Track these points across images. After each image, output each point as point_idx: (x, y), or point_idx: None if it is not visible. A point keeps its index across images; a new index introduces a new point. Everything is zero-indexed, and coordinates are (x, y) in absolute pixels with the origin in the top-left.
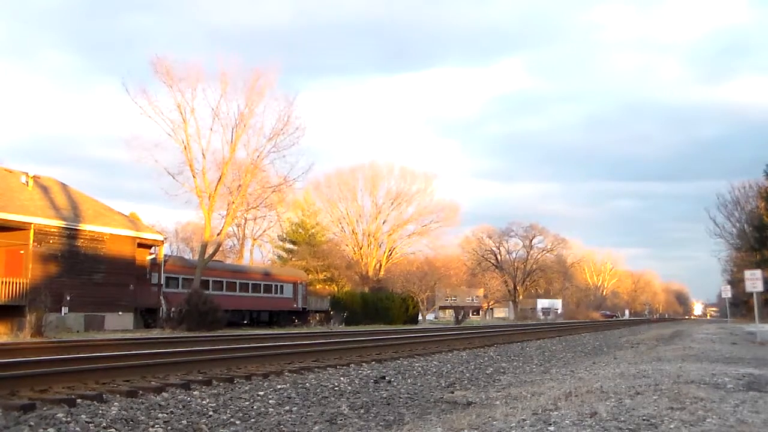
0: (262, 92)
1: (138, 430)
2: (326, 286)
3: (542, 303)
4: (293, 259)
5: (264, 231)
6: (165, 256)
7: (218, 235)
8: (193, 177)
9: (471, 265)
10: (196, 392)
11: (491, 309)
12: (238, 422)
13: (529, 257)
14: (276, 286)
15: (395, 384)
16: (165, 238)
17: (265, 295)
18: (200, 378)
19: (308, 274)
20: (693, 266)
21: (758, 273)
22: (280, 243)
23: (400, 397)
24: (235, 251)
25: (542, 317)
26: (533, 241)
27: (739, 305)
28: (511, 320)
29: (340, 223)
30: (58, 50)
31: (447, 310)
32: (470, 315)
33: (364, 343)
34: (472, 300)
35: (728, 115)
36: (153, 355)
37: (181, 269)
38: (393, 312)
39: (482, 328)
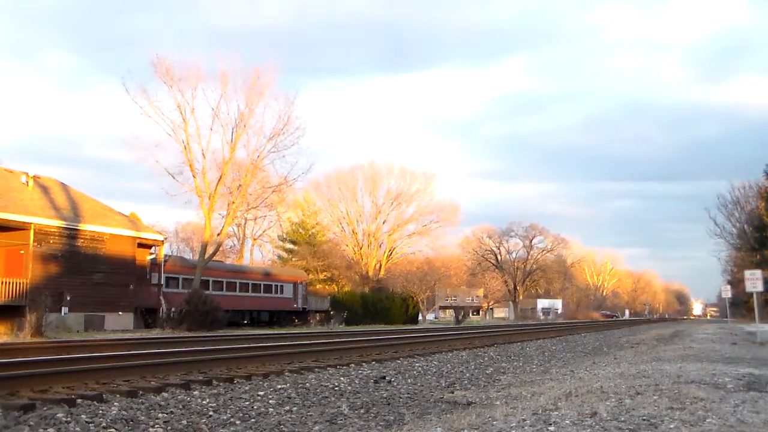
0: (262, 92)
1: (138, 430)
2: (326, 286)
3: (542, 303)
4: (293, 259)
5: (264, 231)
6: (165, 256)
7: (218, 235)
8: (194, 177)
9: (471, 265)
10: (196, 392)
11: (491, 309)
12: (238, 422)
13: (529, 257)
14: (276, 286)
15: (395, 384)
16: (165, 238)
17: (265, 295)
18: (200, 378)
19: (308, 274)
20: (693, 266)
21: (758, 273)
22: (280, 243)
23: (400, 397)
24: (235, 251)
25: (542, 317)
26: (533, 241)
27: (739, 305)
28: (511, 320)
29: (340, 223)
30: (58, 50)
31: (447, 310)
32: (470, 315)
33: (364, 343)
34: (472, 300)
35: (728, 115)
36: (153, 355)
37: (181, 269)
38: (393, 312)
39: (482, 328)
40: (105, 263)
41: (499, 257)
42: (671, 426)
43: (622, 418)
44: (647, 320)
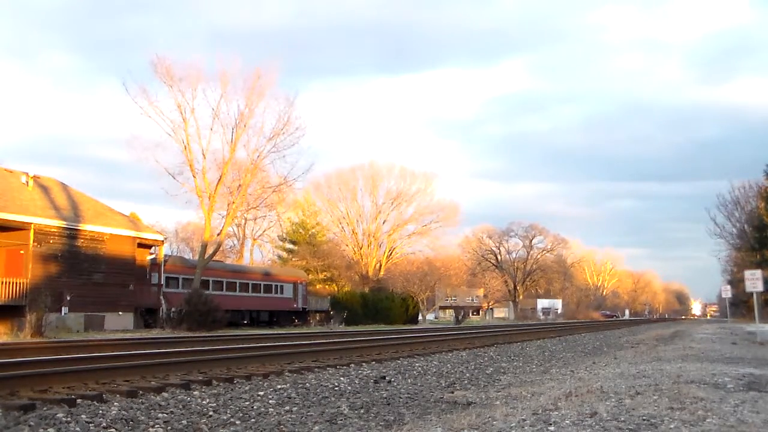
0: (263, 92)
1: (138, 430)
2: (326, 286)
3: (542, 303)
4: (293, 259)
5: (264, 231)
6: (165, 256)
7: (218, 235)
8: (194, 177)
9: (471, 265)
10: (196, 392)
11: (491, 309)
12: (238, 422)
13: (529, 257)
14: (276, 286)
15: (395, 384)
16: (165, 238)
17: (265, 295)
18: (200, 378)
19: (308, 274)
20: (693, 266)
21: (758, 273)
22: (280, 243)
23: (400, 397)
24: (235, 251)
25: (542, 317)
26: (533, 241)
27: (739, 305)
28: (511, 320)
29: (340, 223)
30: (59, 51)
31: (447, 310)
32: (470, 315)
33: (364, 343)
34: (472, 300)
35: (728, 115)
36: (153, 355)
37: (181, 269)
38: (393, 312)
39: (482, 328)
40: (105, 263)
41: (499, 257)
42: (671, 426)
43: (622, 418)
44: (647, 320)
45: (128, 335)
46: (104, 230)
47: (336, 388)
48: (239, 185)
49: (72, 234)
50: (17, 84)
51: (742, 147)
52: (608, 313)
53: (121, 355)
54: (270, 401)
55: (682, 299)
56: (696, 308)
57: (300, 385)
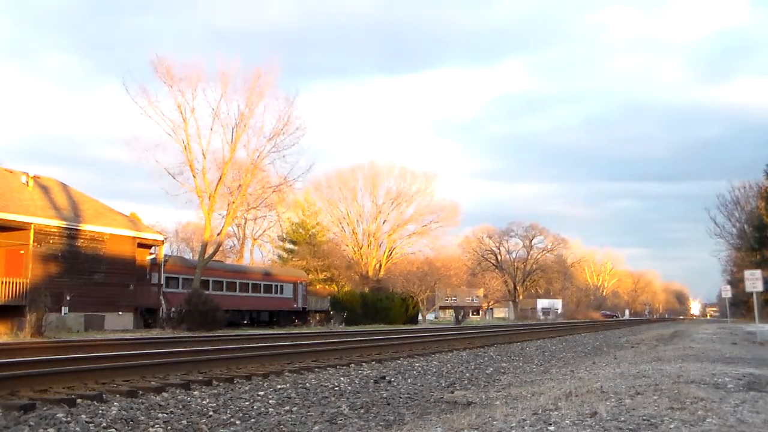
0: (263, 92)
1: (138, 430)
2: (326, 286)
3: (542, 303)
4: (293, 259)
5: (264, 231)
6: (165, 256)
7: (218, 235)
8: (194, 177)
9: (471, 265)
10: (196, 392)
11: (491, 309)
12: (238, 422)
13: (529, 257)
14: (276, 286)
15: (395, 384)
16: (165, 238)
17: (266, 295)
18: (200, 378)
19: (308, 274)
20: (693, 266)
21: (758, 273)
22: (281, 243)
23: (400, 397)
24: (235, 251)
25: (542, 317)
26: (533, 241)
27: (739, 305)
28: (511, 320)
29: (340, 223)
30: (60, 51)
31: (447, 310)
32: (470, 315)
33: (364, 343)
34: (472, 300)
35: (728, 115)
36: (153, 355)
37: (181, 269)
38: (393, 312)
39: (482, 328)
40: (105, 263)
41: (499, 257)
42: (671, 426)
43: (622, 418)
44: (647, 320)
45: (128, 335)
46: (104, 230)
47: (336, 388)
48: (239, 185)
49: (72, 234)
50: (18, 84)
51: (742, 147)
52: (608, 313)
53: (121, 355)
54: (270, 401)
55: (682, 299)
56: (695, 308)
57: (300, 385)
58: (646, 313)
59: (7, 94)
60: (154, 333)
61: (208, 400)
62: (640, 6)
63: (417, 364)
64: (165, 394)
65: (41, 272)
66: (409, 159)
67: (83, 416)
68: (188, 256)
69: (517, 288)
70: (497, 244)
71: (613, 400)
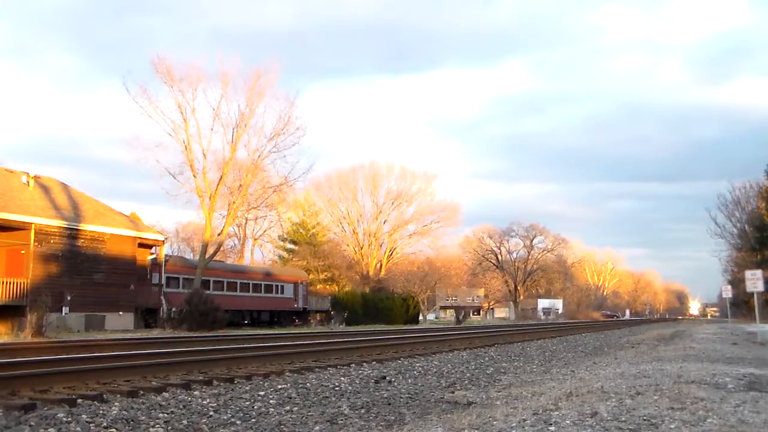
0: (263, 92)
1: (139, 430)
2: (327, 286)
3: (543, 303)
4: (294, 259)
5: (265, 231)
6: (166, 256)
7: (219, 235)
8: (194, 177)
9: (472, 265)
10: (196, 392)
11: (492, 309)
12: (238, 422)
13: (529, 257)
14: (277, 286)
15: (396, 384)
16: (166, 238)
17: (266, 295)
18: (201, 378)
19: (309, 274)
20: (693, 266)
21: (759, 273)
22: (281, 243)
23: (401, 397)
24: (235, 251)
25: (543, 317)
26: (534, 241)
27: (740, 305)
28: (511, 320)
29: (341, 223)
30: (61, 52)
31: (448, 310)
32: (471, 315)
33: (365, 343)
34: (473, 300)
35: (728, 116)
36: (153, 355)
37: (181, 269)
38: (394, 312)
39: (483, 328)
40: (105, 263)
41: (499, 257)
42: (672, 426)
43: (623, 418)
44: (648, 320)
45: (129, 335)
46: (105, 230)
47: (337, 388)
48: (240, 185)
49: (72, 234)
50: (19, 84)
51: (742, 147)
52: (609, 313)
53: (121, 355)
54: (270, 401)
55: (682, 299)
56: (693, 308)
57: (300, 385)
58: (647, 313)
59: (8, 95)
60: (155, 333)
61: (208, 400)
62: (640, 6)
63: (417, 364)
64: (166, 394)
65: (42, 272)
66: (410, 159)
67: (84, 416)
68: (189, 256)
69: (518, 288)
70: (498, 244)
71: (613, 400)
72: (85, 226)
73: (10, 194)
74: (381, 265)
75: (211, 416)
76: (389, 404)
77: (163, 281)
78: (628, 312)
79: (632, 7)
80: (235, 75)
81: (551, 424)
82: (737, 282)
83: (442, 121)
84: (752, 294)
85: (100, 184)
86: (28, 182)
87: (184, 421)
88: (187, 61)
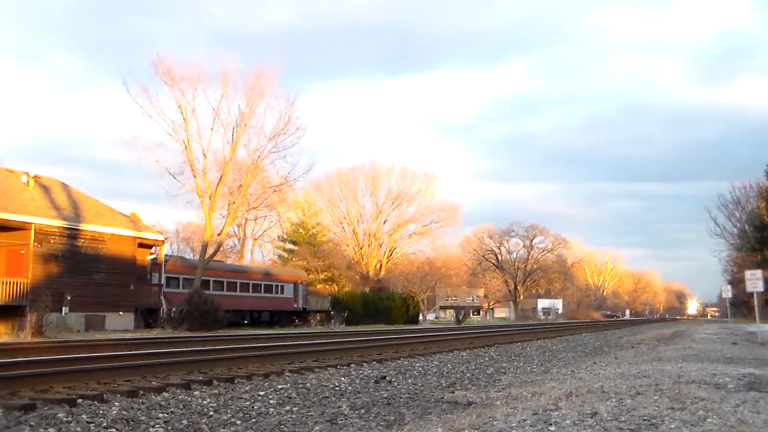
0: (263, 92)
1: (139, 430)
2: (327, 286)
3: (543, 303)
4: (294, 259)
5: (265, 231)
6: (166, 256)
7: (219, 235)
8: (194, 177)
9: (472, 265)
10: (196, 392)
11: (492, 309)
12: (238, 422)
13: (529, 257)
14: (276, 286)
15: (396, 384)
16: (166, 238)
17: (266, 295)
18: (201, 378)
19: (309, 274)
20: (693, 266)
21: (759, 273)
22: (281, 243)
23: (401, 397)
24: (235, 251)
25: (543, 317)
26: (534, 241)
27: (740, 305)
28: (511, 320)
29: (341, 223)
30: (62, 52)
31: (448, 310)
32: (471, 315)
33: (365, 343)
34: (473, 300)
35: (729, 115)
36: (153, 355)
37: (181, 269)
38: (393, 312)
39: (483, 328)
40: (105, 263)
41: (499, 257)
42: (672, 426)
43: (623, 418)
44: (648, 320)
45: (129, 335)
46: (105, 230)
47: (336, 388)
48: (240, 185)
49: (72, 234)
50: (19, 84)
51: (742, 147)
52: (609, 313)
53: (121, 355)
54: (271, 401)
55: (682, 299)
56: (693, 308)
57: (300, 385)
58: (647, 313)
59: (9, 95)
60: (155, 333)
61: (208, 400)
62: (641, 7)
63: (417, 364)
64: (166, 394)
65: (42, 272)
66: (410, 159)
67: (84, 416)
68: (189, 256)
69: (518, 288)
70: (498, 244)
71: (613, 400)
72: (85, 226)
73: (10, 194)
74: (381, 265)
75: (211, 416)
76: (389, 404)
77: (163, 281)
78: (628, 312)
79: (633, 8)
80: (236, 75)
81: (551, 424)
82: (737, 282)
83: (442, 121)
84: (752, 294)
85: (100, 184)
86: (28, 182)
87: (184, 421)
88: (187, 61)
